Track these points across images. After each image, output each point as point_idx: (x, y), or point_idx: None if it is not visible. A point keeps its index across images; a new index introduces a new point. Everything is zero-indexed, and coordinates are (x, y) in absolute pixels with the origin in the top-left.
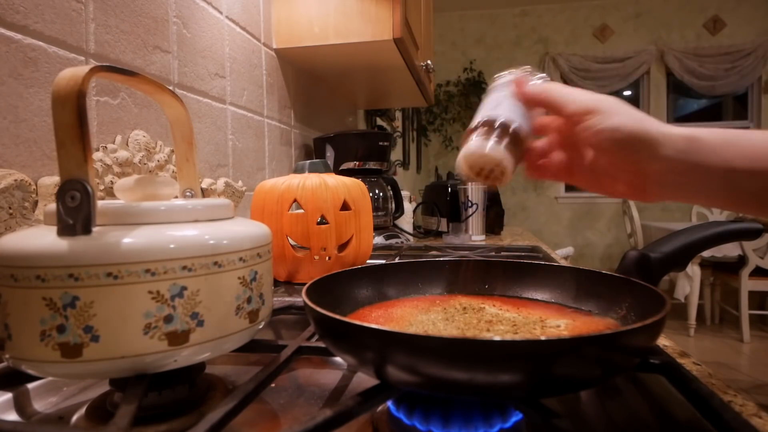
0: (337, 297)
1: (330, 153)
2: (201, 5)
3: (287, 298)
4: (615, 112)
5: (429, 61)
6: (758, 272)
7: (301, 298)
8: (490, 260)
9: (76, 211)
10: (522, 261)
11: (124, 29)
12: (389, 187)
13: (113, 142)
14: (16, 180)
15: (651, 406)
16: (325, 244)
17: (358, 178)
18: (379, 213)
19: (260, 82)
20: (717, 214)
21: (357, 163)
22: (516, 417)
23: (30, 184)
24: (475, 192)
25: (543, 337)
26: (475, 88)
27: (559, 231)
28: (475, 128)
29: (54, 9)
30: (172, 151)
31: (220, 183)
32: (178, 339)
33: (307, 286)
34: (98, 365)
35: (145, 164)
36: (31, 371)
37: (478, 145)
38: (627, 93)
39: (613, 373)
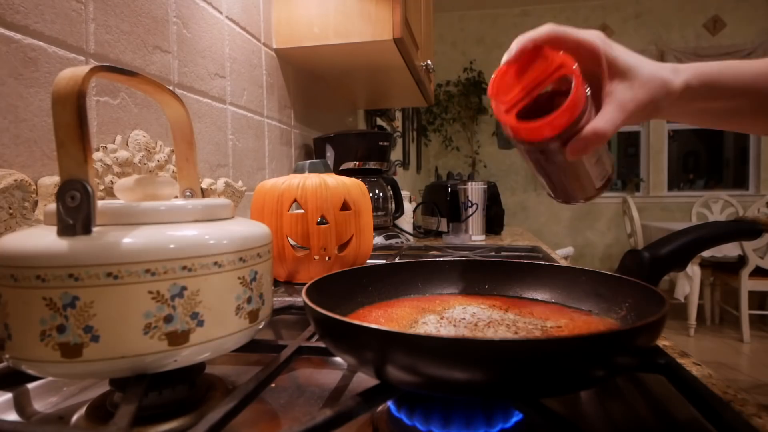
0: (337, 297)
1: (330, 153)
2: (201, 5)
3: (287, 298)
4: (639, 84)
5: (429, 61)
6: (758, 272)
7: (301, 298)
8: (489, 260)
9: (76, 211)
10: (522, 261)
11: (124, 29)
12: (389, 187)
13: (113, 142)
14: (16, 180)
15: (651, 406)
16: (325, 244)
17: (358, 178)
18: (379, 213)
19: (260, 82)
20: (717, 214)
21: (357, 163)
22: (516, 417)
23: (30, 184)
24: (475, 192)
25: (542, 337)
26: (475, 88)
27: (559, 231)
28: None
29: (54, 9)
30: (172, 151)
31: (220, 183)
32: (178, 339)
33: (307, 286)
34: (98, 365)
35: (145, 164)
36: (31, 371)
37: None
38: None
39: (613, 373)
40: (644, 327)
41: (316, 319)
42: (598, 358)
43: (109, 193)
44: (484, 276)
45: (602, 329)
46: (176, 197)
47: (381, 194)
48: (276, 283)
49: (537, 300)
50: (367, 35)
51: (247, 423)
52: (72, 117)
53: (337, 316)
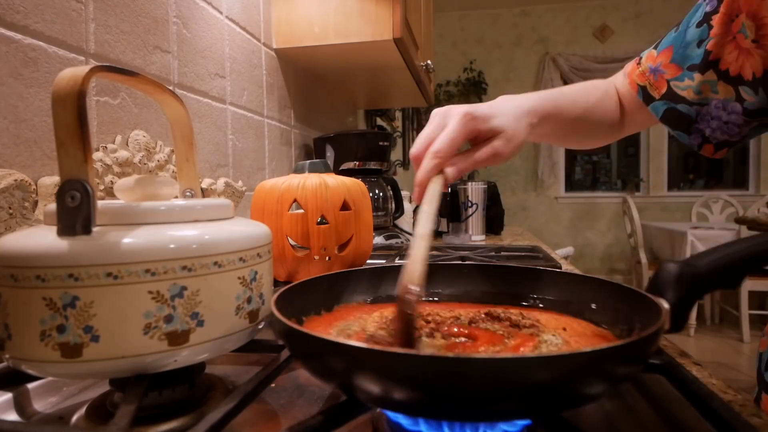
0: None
1: (330, 153)
2: (201, 5)
3: None
4: (510, 137)
5: (429, 61)
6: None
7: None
8: (490, 264)
9: (76, 211)
10: (507, 265)
11: (124, 29)
12: (389, 187)
13: (113, 142)
14: (16, 180)
15: (651, 406)
16: (325, 244)
17: (358, 178)
18: (379, 213)
19: (260, 82)
20: (717, 214)
21: (357, 163)
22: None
23: (30, 184)
24: (475, 192)
25: (537, 354)
26: (475, 88)
27: (559, 231)
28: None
29: (54, 9)
30: (172, 151)
31: (220, 183)
32: (178, 339)
33: (275, 296)
34: (98, 365)
35: (145, 164)
36: (31, 371)
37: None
38: None
39: (612, 386)
40: (642, 340)
41: (282, 332)
42: (598, 375)
43: (109, 193)
44: (479, 280)
45: (593, 335)
46: (176, 197)
47: (381, 194)
48: (276, 283)
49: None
50: (367, 35)
51: (247, 423)
52: (72, 117)
53: (304, 329)
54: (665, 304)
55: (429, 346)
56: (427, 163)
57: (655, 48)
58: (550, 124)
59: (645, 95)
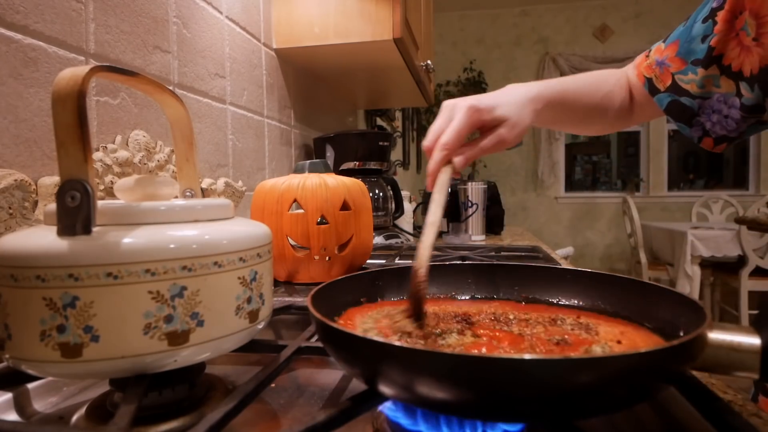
0: (344, 300)
1: (330, 153)
2: (201, 5)
3: (287, 298)
4: (513, 124)
5: (429, 61)
6: (758, 272)
7: (302, 298)
8: (526, 265)
9: (76, 211)
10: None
11: (124, 29)
12: (389, 187)
13: (113, 142)
14: (16, 180)
15: (651, 406)
16: (325, 244)
17: (358, 178)
18: (379, 213)
19: (260, 82)
20: (717, 215)
21: (357, 163)
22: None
23: (30, 184)
24: (475, 192)
25: (573, 356)
26: (475, 88)
27: (559, 231)
28: None
29: (54, 9)
30: (172, 151)
31: (220, 183)
32: (178, 339)
33: (312, 292)
34: (98, 365)
35: (145, 164)
36: (31, 371)
37: None
38: None
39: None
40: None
41: (317, 324)
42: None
43: (109, 193)
44: (515, 280)
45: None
46: (176, 197)
47: (381, 194)
48: (276, 283)
49: (562, 305)
50: (367, 35)
51: (247, 423)
52: (72, 117)
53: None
54: (756, 340)
55: (455, 343)
56: (436, 155)
57: (664, 41)
58: (555, 110)
59: (651, 87)
